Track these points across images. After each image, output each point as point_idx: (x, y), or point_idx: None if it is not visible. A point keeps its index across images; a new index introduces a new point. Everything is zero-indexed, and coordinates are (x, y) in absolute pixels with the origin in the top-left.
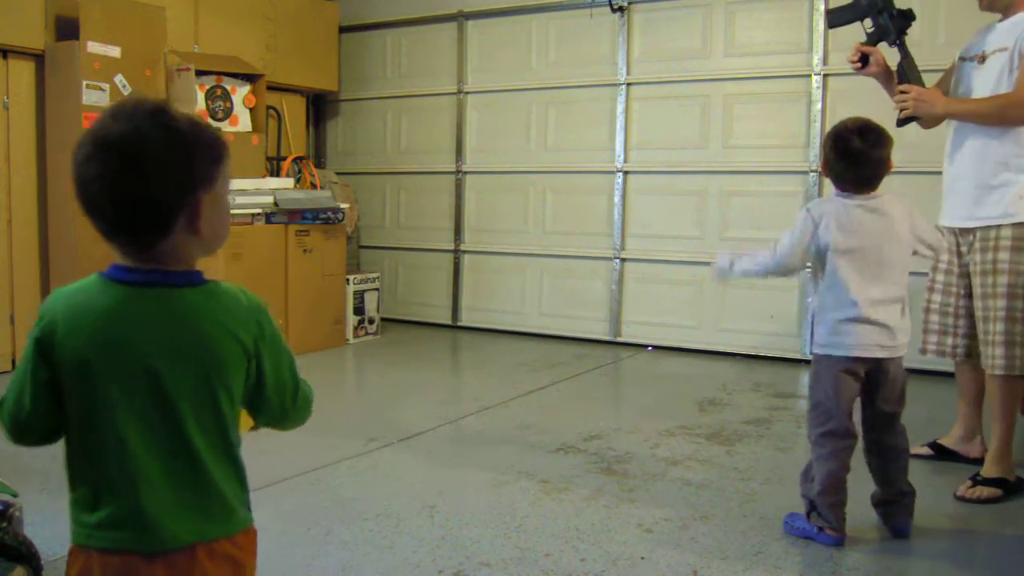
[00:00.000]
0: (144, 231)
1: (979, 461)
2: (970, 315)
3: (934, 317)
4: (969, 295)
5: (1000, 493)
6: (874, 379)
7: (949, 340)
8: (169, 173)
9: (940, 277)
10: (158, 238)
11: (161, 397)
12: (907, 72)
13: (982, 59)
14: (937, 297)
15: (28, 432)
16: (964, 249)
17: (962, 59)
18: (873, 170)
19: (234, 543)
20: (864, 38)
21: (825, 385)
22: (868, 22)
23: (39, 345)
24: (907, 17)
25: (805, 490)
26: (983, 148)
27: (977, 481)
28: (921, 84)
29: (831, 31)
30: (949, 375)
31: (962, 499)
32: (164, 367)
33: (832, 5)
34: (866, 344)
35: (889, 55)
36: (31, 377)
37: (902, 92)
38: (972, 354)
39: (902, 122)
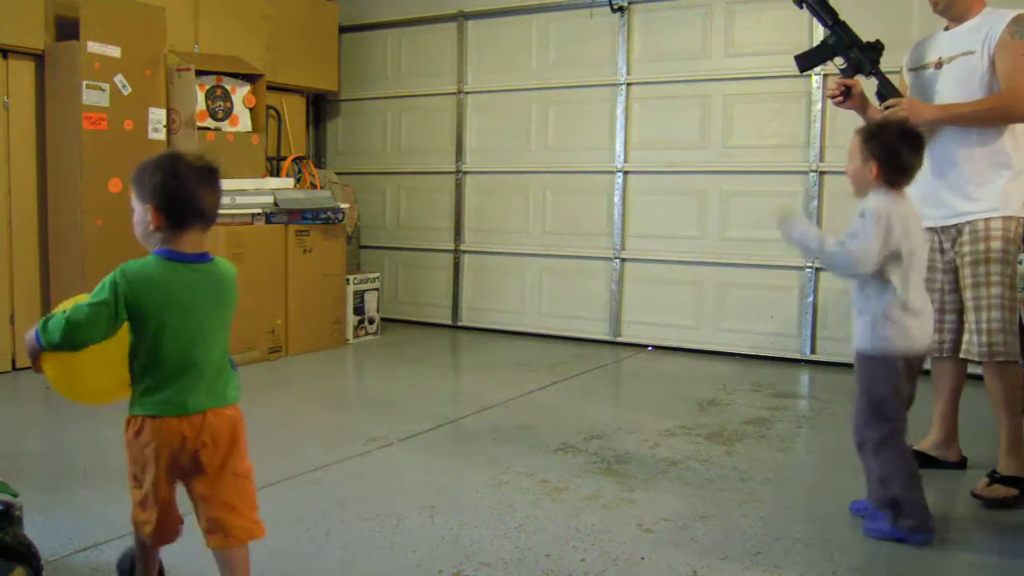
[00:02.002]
0: (213, 222)
1: (959, 465)
2: (956, 310)
3: None
4: (955, 290)
5: (1016, 493)
6: (915, 367)
7: (936, 337)
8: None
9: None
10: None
11: (209, 324)
12: (888, 94)
13: (938, 65)
14: None
15: (85, 341)
16: (947, 245)
17: (912, 70)
18: (921, 159)
19: (229, 408)
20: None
21: (888, 385)
22: (839, 60)
23: (126, 300)
24: (876, 48)
25: (886, 497)
26: (964, 150)
27: (994, 479)
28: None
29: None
30: None
31: (979, 498)
32: (213, 306)
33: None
34: (921, 337)
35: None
36: (114, 315)
37: (889, 106)
38: (958, 350)
39: None
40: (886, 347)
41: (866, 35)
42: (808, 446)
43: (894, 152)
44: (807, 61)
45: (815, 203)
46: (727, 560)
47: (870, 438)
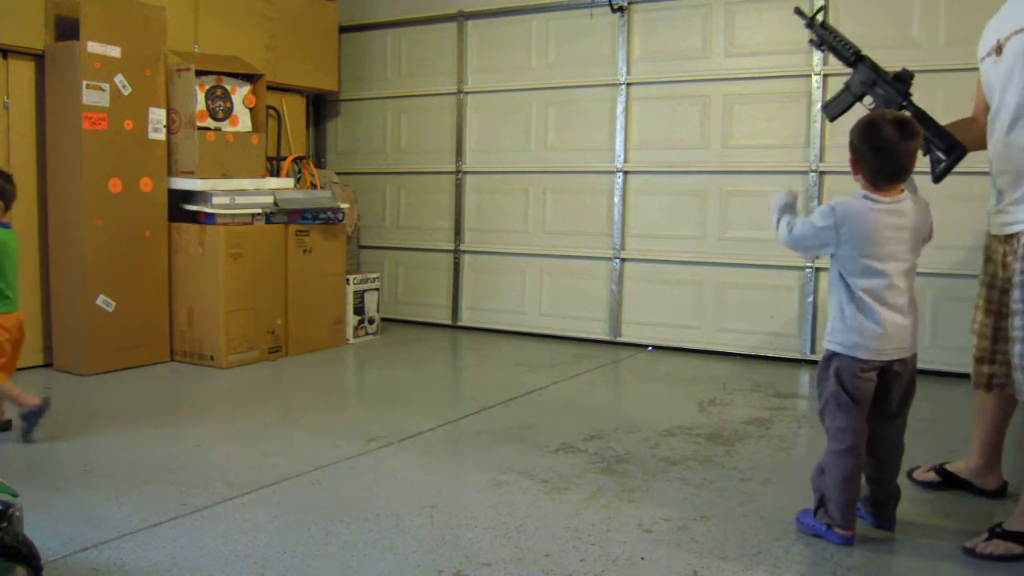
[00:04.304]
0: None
1: (996, 494)
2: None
3: (973, 340)
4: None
5: (1020, 551)
6: (885, 378)
7: (985, 369)
8: None
9: (983, 292)
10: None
11: (13, 263)
12: (927, 126)
13: (999, 50)
14: (979, 316)
15: None
16: (1010, 259)
17: (981, 60)
18: (907, 161)
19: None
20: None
21: (843, 383)
22: (868, 99)
23: None
24: (903, 79)
25: (817, 486)
26: None
27: (995, 534)
28: (944, 131)
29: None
30: (949, 375)
31: (975, 553)
32: (13, 253)
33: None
34: (886, 349)
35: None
36: None
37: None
38: (1009, 384)
39: (940, 177)
40: (844, 350)
41: (863, 38)
42: (808, 446)
43: (861, 152)
44: (835, 108)
45: (815, 203)
46: (727, 560)
47: (827, 427)
